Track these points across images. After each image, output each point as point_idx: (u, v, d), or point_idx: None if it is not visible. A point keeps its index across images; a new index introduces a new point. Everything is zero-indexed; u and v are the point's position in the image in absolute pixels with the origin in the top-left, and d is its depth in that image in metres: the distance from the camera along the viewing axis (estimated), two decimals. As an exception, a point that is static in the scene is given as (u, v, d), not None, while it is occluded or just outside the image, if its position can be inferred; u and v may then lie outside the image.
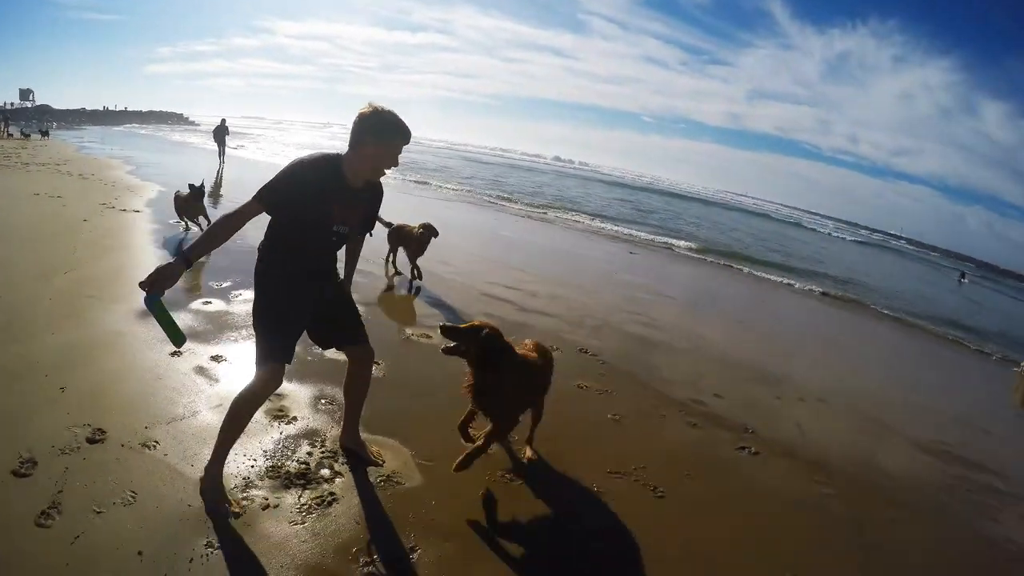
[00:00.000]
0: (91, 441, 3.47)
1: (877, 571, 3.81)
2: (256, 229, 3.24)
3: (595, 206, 32.17)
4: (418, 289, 8.20)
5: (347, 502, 3.34)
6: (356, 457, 3.76)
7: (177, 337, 2.99)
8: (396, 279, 8.65)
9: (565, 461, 4.22)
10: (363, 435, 3.89)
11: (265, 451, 3.68)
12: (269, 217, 3.25)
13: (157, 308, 2.82)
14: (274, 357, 3.19)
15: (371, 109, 3.19)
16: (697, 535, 3.70)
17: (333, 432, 3.97)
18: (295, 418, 4.12)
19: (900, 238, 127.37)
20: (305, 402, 4.38)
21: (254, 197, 3.08)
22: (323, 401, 4.43)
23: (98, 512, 2.92)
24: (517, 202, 26.71)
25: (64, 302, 5.70)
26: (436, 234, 8.57)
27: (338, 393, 4.37)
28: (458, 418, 3.70)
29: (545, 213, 24.48)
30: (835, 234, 63.36)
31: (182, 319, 5.25)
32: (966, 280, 44.00)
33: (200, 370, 4.61)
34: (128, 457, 3.39)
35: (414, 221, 8.70)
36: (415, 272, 8.55)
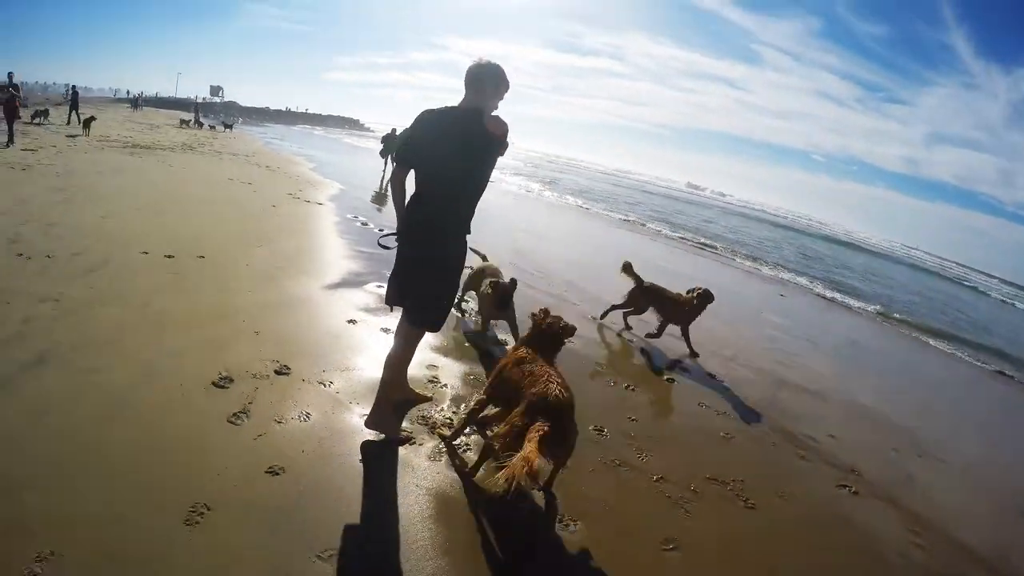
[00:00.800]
0: (278, 373, 4.31)
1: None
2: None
3: (763, 248, 31.33)
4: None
5: (476, 455, 3.85)
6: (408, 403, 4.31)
7: None
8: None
9: (670, 460, 4.57)
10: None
11: (420, 407, 4.33)
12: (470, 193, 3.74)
13: None
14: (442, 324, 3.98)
15: (483, 61, 3.70)
16: (774, 548, 3.90)
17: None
18: (445, 384, 4.77)
19: None
20: (455, 374, 5.02)
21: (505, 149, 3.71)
22: (471, 376, 5.04)
23: (278, 422, 3.70)
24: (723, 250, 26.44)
25: (259, 269, 6.79)
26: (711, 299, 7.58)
27: (481, 370, 5.10)
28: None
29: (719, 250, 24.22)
30: (1012, 301, 57.94)
31: (359, 299, 6.13)
32: None
33: (372, 336, 5.37)
34: (307, 389, 4.17)
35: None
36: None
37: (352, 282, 6.93)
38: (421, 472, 3.56)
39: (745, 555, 3.76)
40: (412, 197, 3.73)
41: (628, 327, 7.86)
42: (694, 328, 7.54)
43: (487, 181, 3.78)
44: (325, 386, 4.24)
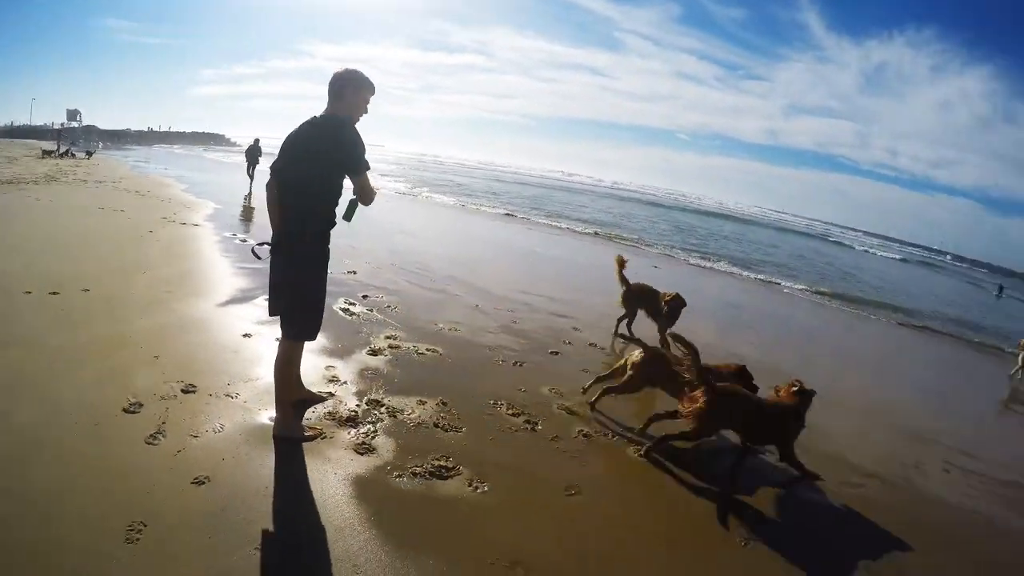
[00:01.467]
0: (185, 391, 4.45)
1: None
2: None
3: (635, 227, 32.30)
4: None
5: (384, 439, 4.26)
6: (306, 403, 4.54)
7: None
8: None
9: (560, 421, 5.14)
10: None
11: (327, 403, 4.63)
12: (338, 183, 3.87)
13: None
14: (316, 334, 4.12)
15: (344, 68, 3.87)
16: (663, 480, 4.56)
17: (373, 394, 4.92)
18: (345, 381, 5.08)
19: (943, 253, 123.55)
20: (352, 371, 5.34)
21: (363, 173, 3.83)
22: (367, 371, 5.36)
23: (194, 436, 3.88)
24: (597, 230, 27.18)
25: (147, 295, 6.79)
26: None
27: (378, 364, 5.48)
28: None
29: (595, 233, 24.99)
30: (873, 251, 62.48)
31: (251, 313, 6.33)
32: (1004, 294, 43.46)
33: (269, 346, 5.47)
34: (216, 402, 4.36)
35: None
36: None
37: (241, 298, 7.05)
38: (337, 462, 3.85)
39: (639, 489, 4.37)
40: (282, 207, 3.83)
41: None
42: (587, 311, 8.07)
43: (339, 188, 3.86)
44: (232, 398, 4.43)
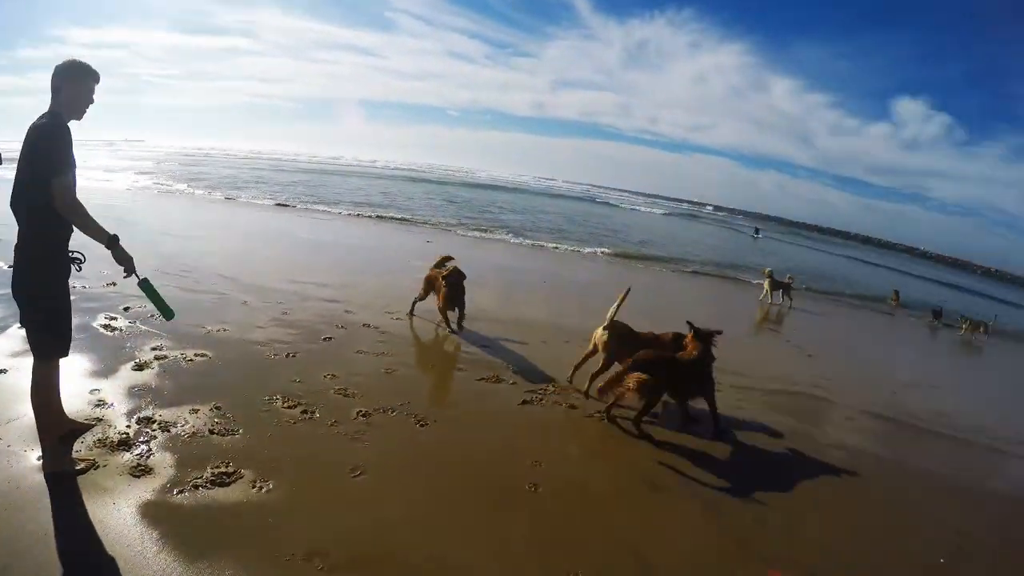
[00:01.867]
0: None
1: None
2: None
3: (415, 205, 32.31)
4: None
5: (160, 456, 4.31)
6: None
7: (167, 312, 4.36)
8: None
9: (338, 404, 5.48)
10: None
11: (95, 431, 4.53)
12: (27, 199, 3.59)
13: (148, 288, 4.17)
14: (66, 349, 3.99)
15: (65, 60, 3.72)
16: (449, 456, 5.14)
17: (143, 411, 4.92)
18: (112, 404, 4.97)
19: (704, 204, 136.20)
20: (120, 390, 5.25)
21: (57, 175, 3.50)
22: (135, 388, 5.30)
23: None
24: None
25: None
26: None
27: (146, 378, 5.47)
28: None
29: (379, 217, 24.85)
30: (638, 208, 67.35)
31: (2, 346, 5.93)
32: (760, 235, 50.63)
33: (28, 380, 5.27)
34: None
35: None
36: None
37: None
38: (115, 490, 3.82)
39: (425, 460, 4.79)
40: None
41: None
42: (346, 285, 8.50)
43: (42, 187, 3.53)
44: None
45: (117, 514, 3.62)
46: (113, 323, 6.88)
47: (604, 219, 42.73)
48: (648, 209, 68.18)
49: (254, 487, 4.06)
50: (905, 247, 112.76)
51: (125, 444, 4.37)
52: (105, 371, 5.58)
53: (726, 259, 26.80)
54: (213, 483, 4.03)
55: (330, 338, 7.23)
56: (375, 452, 4.75)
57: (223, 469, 4.18)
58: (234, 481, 4.09)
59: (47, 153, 3.53)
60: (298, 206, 24.31)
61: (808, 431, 6.81)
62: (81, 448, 4.28)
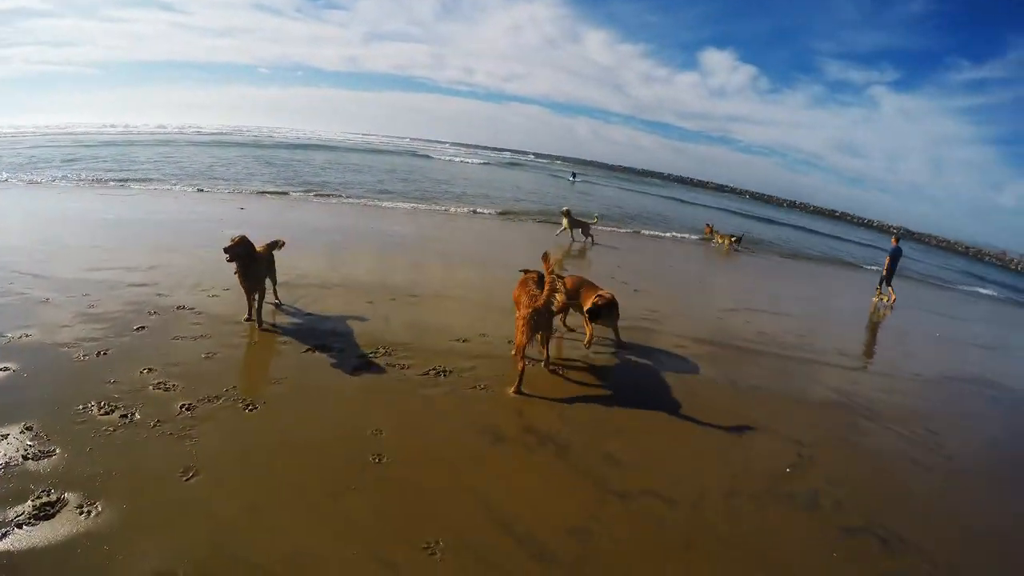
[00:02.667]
0: None
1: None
2: None
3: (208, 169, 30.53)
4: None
5: None
6: None
7: None
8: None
9: (157, 400, 5.32)
10: None
11: None
12: None
13: None
14: None
15: None
16: (289, 437, 5.17)
17: None
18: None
19: (524, 153, 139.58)
20: None
21: None
22: None
23: None
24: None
25: None
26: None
27: None
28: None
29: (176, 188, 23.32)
30: (458, 159, 67.55)
31: None
32: (576, 179, 53.80)
33: None
34: None
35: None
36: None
37: None
38: None
39: (256, 453, 4.68)
40: None
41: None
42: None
43: None
44: None
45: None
46: None
47: (426, 172, 42.78)
48: (468, 160, 68.60)
49: (82, 513, 3.81)
50: (716, 185, 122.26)
51: None
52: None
53: (544, 202, 28.19)
54: (37, 517, 3.74)
55: (143, 327, 6.84)
56: (205, 448, 4.63)
57: (45, 499, 3.89)
58: (59, 511, 3.81)
59: None
60: (110, 183, 22.37)
61: (644, 363, 7.48)
62: None
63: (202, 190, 21.45)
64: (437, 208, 21.89)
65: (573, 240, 17.35)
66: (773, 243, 28.65)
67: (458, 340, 7.45)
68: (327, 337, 7.06)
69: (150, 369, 5.82)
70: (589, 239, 17.64)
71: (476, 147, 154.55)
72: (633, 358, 7.58)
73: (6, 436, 4.55)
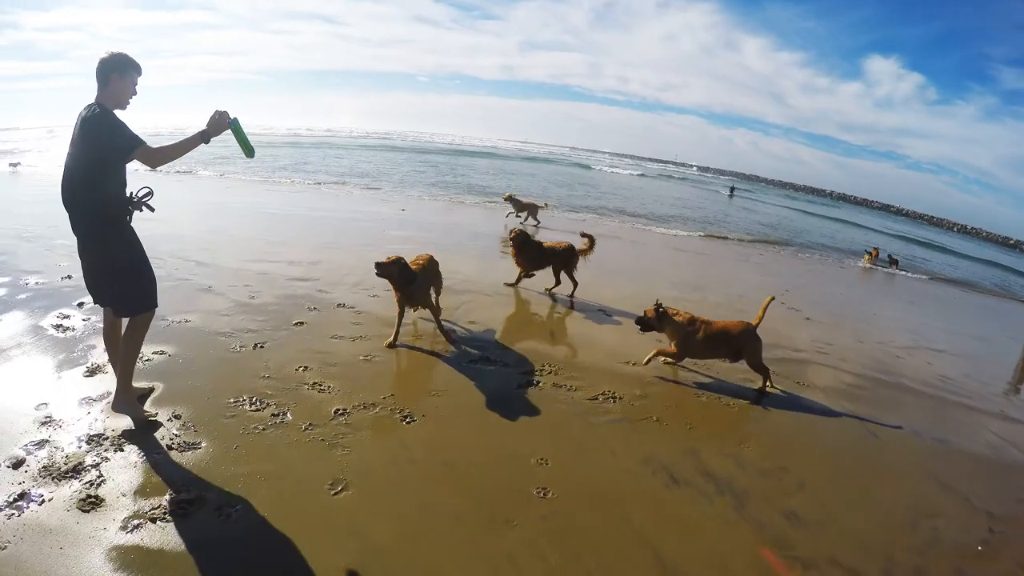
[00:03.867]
0: None
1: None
2: None
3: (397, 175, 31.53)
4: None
5: (112, 483, 3.81)
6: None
7: (250, 150, 4.30)
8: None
9: (308, 403, 4.95)
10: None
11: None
12: (102, 173, 3.96)
13: (237, 128, 4.14)
14: (154, 302, 4.35)
15: (109, 52, 3.98)
16: (449, 455, 4.64)
17: (94, 426, 4.41)
18: (60, 422, 4.41)
19: (682, 165, 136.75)
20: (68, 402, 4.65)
21: (138, 143, 3.91)
22: (90, 399, 4.72)
23: None
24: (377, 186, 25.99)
25: None
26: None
27: (97, 386, 4.86)
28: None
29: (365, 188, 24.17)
30: (616, 170, 66.49)
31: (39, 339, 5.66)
32: (735, 193, 51.40)
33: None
34: None
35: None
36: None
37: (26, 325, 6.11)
38: (60, 530, 3.31)
39: (412, 470, 4.23)
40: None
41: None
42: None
43: (107, 179, 3.99)
44: None
45: (63, 562, 3.10)
46: (65, 322, 6.27)
47: (586, 181, 42.56)
48: (624, 171, 67.16)
49: (220, 515, 3.54)
50: (881, 204, 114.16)
51: (74, 471, 3.82)
52: (53, 381, 5.01)
53: (704, 217, 27.18)
54: (173, 513, 3.50)
55: (302, 323, 6.69)
56: (357, 459, 4.25)
57: (184, 496, 3.64)
58: (196, 511, 3.55)
59: (117, 140, 3.90)
60: (278, 179, 23.45)
61: (820, 404, 6.45)
62: (25, 478, 3.73)
63: (371, 188, 21.96)
64: (610, 221, 21.12)
65: (523, 222, 16.84)
66: (942, 271, 25.73)
67: (627, 362, 6.71)
68: (490, 349, 6.58)
69: (306, 367, 5.57)
70: (533, 220, 17.38)
71: (633, 157, 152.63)
72: (807, 396, 6.56)
73: (154, 423, 4.42)
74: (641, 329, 6.50)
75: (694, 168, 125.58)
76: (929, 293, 17.95)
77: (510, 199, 17.44)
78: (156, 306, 4.38)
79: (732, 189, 55.15)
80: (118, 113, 4.03)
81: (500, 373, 5.99)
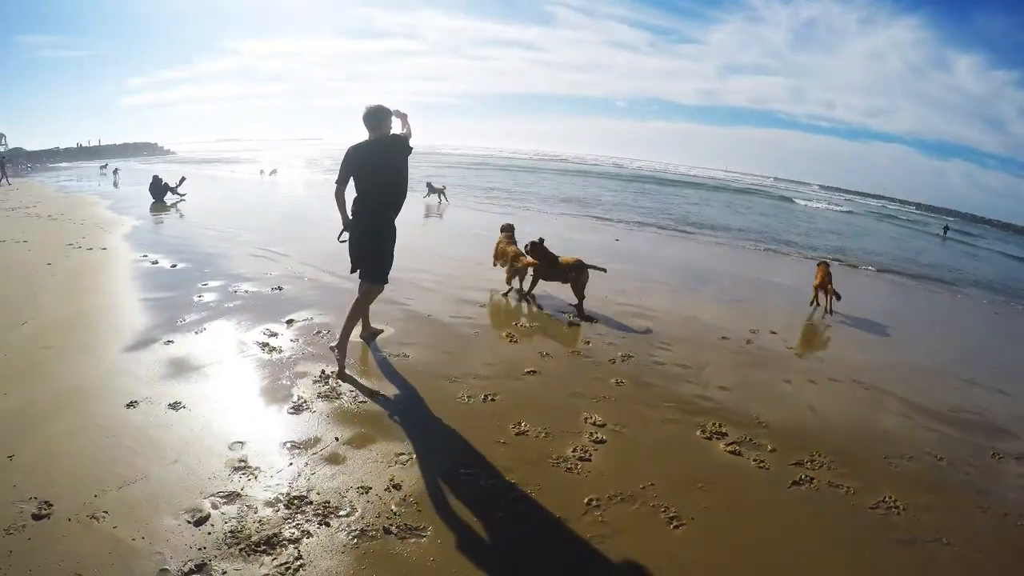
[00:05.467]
0: (36, 517, 3.16)
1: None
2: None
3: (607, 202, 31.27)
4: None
5: (309, 570, 3.04)
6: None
7: None
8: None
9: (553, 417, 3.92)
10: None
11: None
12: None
13: None
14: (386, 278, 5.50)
15: (374, 104, 5.30)
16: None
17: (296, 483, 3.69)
18: (257, 468, 3.80)
19: (887, 199, 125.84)
20: (272, 448, 4.05)
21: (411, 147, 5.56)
22: (288, 445, 4.11)
23: None
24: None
25: (20, 357, 5.34)
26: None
27: (302, 427, 4.22)
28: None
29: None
30: (823, 205, 61.74)
31: (144, 368, 5.14)
32: (948, 233, 45.76)
33: (157, 423, 4.25)
34: (74, 532, 3.07)
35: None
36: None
37: (136, 344, 5.72)
38: None
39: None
40: (357, 199, 5.32)
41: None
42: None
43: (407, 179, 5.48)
44: (98, 521, 3.14)
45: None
46: (272, 340, 5.85)
47: (810, 219, 39.89)
48: (833, 206, 61.90)
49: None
50: None
51: (267, 544, 3.07)
52: (254, 414, 4.44)
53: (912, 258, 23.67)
54: None
55: (534, 371, 5.76)
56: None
57: None
58: None
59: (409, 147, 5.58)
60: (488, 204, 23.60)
61: None
62: (208, 543, 3.05)
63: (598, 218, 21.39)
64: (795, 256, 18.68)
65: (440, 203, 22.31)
66: None
67: (904, 457, 5.05)
68: (750, 427, 5.14)
69: (547, 433, 4.55)
70: (443, 200, 22.99)
71: (842, 190, 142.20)
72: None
73: (368, 489, 3.67)
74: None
75: (912, 207, 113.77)
76: None
77: (428, 185, 23.52)
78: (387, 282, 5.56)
79: (946, 228, 49.29)
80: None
81: (764, 463, 4.59)
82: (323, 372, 5.21)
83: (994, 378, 7.93)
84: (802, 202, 60.63)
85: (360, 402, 4.73)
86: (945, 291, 16.09)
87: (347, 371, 5.25)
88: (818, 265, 10.17)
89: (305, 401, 4.62)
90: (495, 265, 8.94)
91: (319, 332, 6.22)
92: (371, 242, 5.32)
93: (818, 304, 9.95)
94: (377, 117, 5.30)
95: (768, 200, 55.43)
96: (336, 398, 4.79)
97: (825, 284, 9.76)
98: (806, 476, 4.46)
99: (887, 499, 4.29)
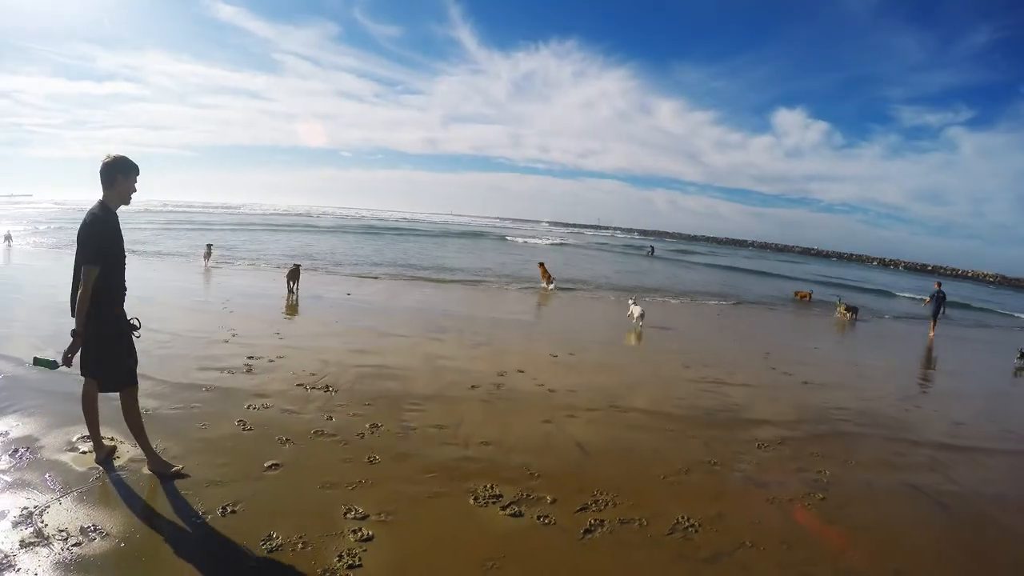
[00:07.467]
0: None
1: None
2: None
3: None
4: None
5: None
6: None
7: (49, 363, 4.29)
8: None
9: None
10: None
11: None
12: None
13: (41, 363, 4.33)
14: (133, 377, 4.60)
15: (112, 156, 4.37)
16: None
17: None
18: None
19: (614, 228, 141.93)
20: None
21: (90, 263, 4.13)
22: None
23: None
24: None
25: None
26: None
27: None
28: None
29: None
30: (540, 241, 65.95)
31: None
32: (654, 252, 53.36)
33: None
34: None
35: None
36: None
37: None
38: None
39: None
40: (106, 287, 4.30)
41: None
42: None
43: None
44: None
45: None
46: (247, 420, 4.60)
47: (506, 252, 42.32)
48: (535, 240, 66.09)
49: None
50: (801, 248, 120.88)
51: None
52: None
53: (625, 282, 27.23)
54: None
55: (276, 465, 5.06)
56: None
57: None
58: None
59: (91, 243, 4.22)
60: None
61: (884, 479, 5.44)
62: None
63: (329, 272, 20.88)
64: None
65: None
66: (884, 311, 26.09)
67: (682, 472, 5.53)
68: (523, 481, 5.16)
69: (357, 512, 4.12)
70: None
71: (570, 224, 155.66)
72: (863, 475, 5.63)
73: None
74: None
75: (615, 231, 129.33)
76: (888, 332, 18.79)
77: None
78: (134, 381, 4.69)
79: (651, 248, 57.21)
80: (122, 208, 4.56)
81: (551, 513, 4.61)
82: (25, 509, 4.02)
83: (733, 373, 9.08)
84: (520, 239, 64.25)
85: (73, 546, 3.71)
86: (674, 300, 18.49)
87: (60, 501, 4.15)
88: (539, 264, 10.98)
89: (6, 556, 3.54)
90: None
91: (16, 451, 4.93)
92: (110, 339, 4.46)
93: None
94: (124, 170, 4.41)
95: (489, 240, 58.06)
96: (45, 544, 3.69)
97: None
98: (596, 520, 4.52)
99: (680, 520, 4.59)
